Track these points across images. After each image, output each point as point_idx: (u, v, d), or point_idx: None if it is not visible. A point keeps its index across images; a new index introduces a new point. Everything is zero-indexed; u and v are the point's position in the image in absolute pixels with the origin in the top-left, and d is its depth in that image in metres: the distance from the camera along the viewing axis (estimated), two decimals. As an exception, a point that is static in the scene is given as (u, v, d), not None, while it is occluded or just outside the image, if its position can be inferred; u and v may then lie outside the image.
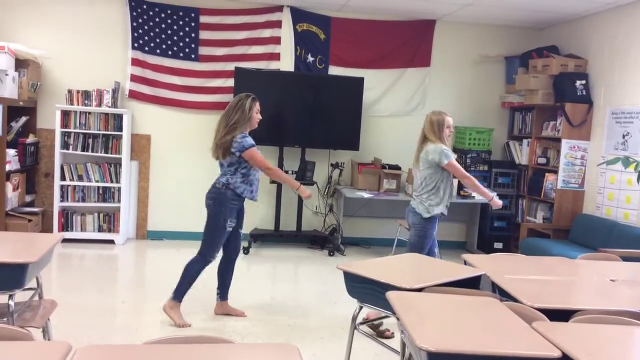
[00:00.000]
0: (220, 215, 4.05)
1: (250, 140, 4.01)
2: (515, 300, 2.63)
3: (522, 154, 6.80)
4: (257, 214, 6.61)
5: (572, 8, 5.98)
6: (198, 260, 4.11)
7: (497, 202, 4.45)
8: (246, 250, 6.17)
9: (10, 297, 2.70)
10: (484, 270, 3.14)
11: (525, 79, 6.43)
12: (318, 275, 5.69)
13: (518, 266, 3.44)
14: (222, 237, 4.09)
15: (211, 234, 4.09)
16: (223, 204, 4.04)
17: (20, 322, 2.79)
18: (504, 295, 2.78)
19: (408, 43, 6.89)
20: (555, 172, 6.13)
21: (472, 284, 3.07)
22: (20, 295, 2.86)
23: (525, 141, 6.75)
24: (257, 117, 4.13)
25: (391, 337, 3.92)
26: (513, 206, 6.87)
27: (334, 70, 6.80)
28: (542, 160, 6.43)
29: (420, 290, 2.76)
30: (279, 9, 6.63)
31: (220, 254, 4.33)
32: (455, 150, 7.06)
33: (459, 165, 4.31)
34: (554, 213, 6.11)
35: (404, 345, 2.63)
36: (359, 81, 6.59)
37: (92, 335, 3.76)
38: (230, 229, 4.09)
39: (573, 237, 5.85)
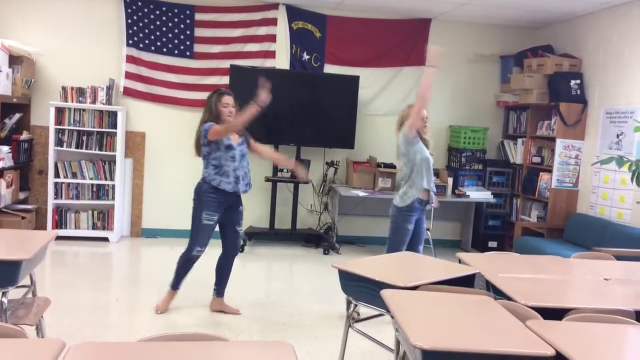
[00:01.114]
0: (198, 208, 4.09)
1: (210, 123, 4.06)
2: (509, 298, 2.64)
3: (517, 153, 6.81)
4: (252, 212, 6.58)
5: (567, 8, 5.99)
6: (184, 253, 4.18)
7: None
8: (241, 249, 6.16)
9: (4, 294, 2.70)
10: (478, 269, 3.15)
11: (520, 78, 6.45)
12: (313, 273, 5.69)
13: (512, 265, 3.45)
14: (202, 231, 4.08)
15: (193, 227, 4.14)
16: (199, 197, 4.09)
17: (13, 319, 2.78)
18: (498, 293, 2.79)
19: (404, 42, 6.89)
20: (550, 171, 6.15)
21: (466, 282, 3.08)
22: (14, 293, 2.85)
23: (519, 140, 6.76)
24: (225, 111, 4.13)
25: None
26: (507, 205, 6.89)
27: (330, 69, 6.79)
28: (536, 160, 6.44)
29: (414, 288, 2.76)
30: (275, 6, 6.62)
31: (213, 251, 4.34)
32: (450, 149, 7.09)
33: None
34: (548, 212, 6.12)
35: (398, 343, 2.64)
36: (355, 79, 6.58)
37: (86, 332, 3.76)
38: (211, 222, 4.08)
39: (567, 236, 5.87)
